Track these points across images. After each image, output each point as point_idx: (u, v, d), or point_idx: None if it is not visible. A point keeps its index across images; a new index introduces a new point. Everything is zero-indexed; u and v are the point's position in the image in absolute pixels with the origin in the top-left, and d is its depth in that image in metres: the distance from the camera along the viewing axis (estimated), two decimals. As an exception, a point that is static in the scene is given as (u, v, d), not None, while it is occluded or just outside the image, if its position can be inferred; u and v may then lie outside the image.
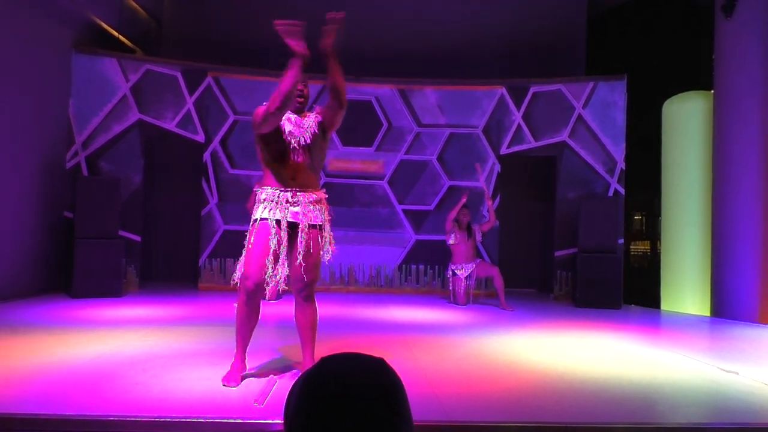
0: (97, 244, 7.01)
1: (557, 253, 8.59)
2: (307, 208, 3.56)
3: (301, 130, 3.59)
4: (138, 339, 4.71)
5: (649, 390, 3.70)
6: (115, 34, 8.33)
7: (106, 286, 7.01)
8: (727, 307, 7.08)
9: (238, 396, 3.26)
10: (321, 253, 3.61)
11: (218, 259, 8.35)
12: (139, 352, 4.23)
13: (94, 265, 6.94)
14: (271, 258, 3.46)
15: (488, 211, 7.64)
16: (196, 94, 8.38)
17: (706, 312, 7.51)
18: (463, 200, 7.46)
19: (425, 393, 3.40)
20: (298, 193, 3.55)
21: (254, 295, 3.51)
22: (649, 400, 3.49)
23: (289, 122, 3.60)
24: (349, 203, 8.70)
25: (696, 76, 8.76)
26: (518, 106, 8.76)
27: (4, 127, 6.52)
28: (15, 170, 6.75)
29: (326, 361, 0.90)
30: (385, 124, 8.80)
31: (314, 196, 3.61)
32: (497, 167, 8.74)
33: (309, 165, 3.60)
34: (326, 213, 3.67)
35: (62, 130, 7.67)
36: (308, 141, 3.57)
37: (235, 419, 2.85)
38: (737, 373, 4.13)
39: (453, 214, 7.45)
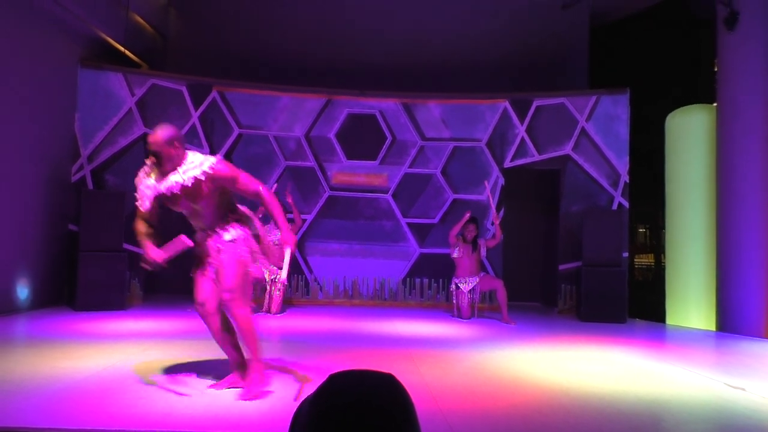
0: (101, 257, 7.02)
1: (561, 267, 8.56)
2: (209, 245, 3.71)
3: (165, 188, 3.68)
4: (142, 352, 4.70)
5: (655, 406, 3.68)
6: (121, 49, 8.40)
7: (110, 299, 7.01)
8: (733, 321, 7.03)
9: (241, 411, 3.25)
10: (238, 266, 3.64)
11: (222, 272, 8.34)
12: (142, 366, 4.22)
13: (98, 278, 6.94)
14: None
15: (493, 225, 7.64)
16: (201, 108, 8.43)
17: (711, 326, 7.47)
18: (466, 217, 7.46)
19: (430, 409, 3.38)
20: (201, 235, 3.79)
21: (207, 316, 3.71)
22: (655, 417, 3.47)
23: (150, 189, 3.71)
24: (353, 216, 8.71)
25: (699, 90, 8.79)
26: (522, 119, 8.78)
27: (11, 140, 6.56)
28: (21, 183, 6.79)
29: (335, 377, 0.90)
30: (389, 138, 8.82)
31: (216, 234, 3.72)
32: (501, 180, 8.74)
33: (196, 211, 3.75)
34: (236, 232, 3.72)
35: (68, 143, 7.71)
36: (175, 191, 3.66)
37: (238, 435, 2.84)
38: (744, 389, 4.09)
39: (456, 230, 7.45)
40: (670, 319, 8.00)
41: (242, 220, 3.84)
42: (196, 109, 8.40)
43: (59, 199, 7.48)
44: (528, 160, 8.77)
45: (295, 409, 0.92)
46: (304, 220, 8.41)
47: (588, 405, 3.63)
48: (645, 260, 11.21)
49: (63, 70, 7.57)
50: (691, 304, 7.80)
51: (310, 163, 8.67)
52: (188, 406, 3.29)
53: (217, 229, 3.73)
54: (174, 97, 8.34)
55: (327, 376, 0.91)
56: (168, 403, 3.32)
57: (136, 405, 3.27)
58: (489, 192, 7.88)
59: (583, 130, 8.61)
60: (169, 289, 8.95)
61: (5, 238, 6.51)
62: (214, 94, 8.48)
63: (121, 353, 4.63)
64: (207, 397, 3.49)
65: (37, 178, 7.10)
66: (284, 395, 3.59)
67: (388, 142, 8.82)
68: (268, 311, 7.23)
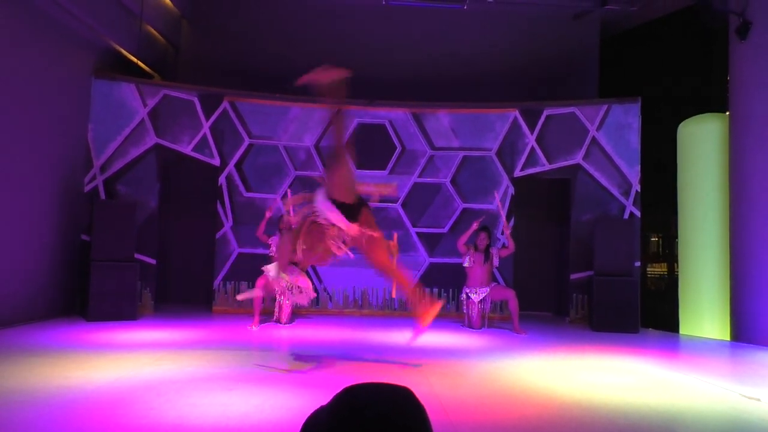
0: (112, 267, 7.06)
1: (573, 276, 8.51)
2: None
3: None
4: (153, 363, 4.72)
5: (669, 416, 3.64)
6: (134, 59, 8.48)
7: (122, 309, 7.04)
8: (748, 331, 6.95)
9: (252, 422, 3.24)
10: None
11: (232, 282, 8.36)
12: (153, 376, 4.23)
13: (110, 288, 6.98)
14: None
15: (504, 236, 7.62)
16: (213, 118, 8.48)
17: (725, 336, 7.38)
18: (474, 227, 7.44)
19: (441, 421, 3.36)
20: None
21: None
22: (668, 428, 3.43)
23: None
24: (363, 226, 8.70)
25: (711, 99, 8.73)
26: (532, 128, 8.76)
27: (24, 150, 6.63)
28: (34, 193, 6.85)
29: (353, 389, 0.89)
30: (399, 147, 8.83)
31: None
32: (511, 190, 8.71)
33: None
34: None
35: (81, 154, 7.78)
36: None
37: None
38: (760, 400, 4.04)
39: (463, 239, 7.44)
40: (684, 329, 7.93)
41: None
42: (207, 120, 8.46)
43: (72, 209, 7.54)
44: (538, 169, 8.74)
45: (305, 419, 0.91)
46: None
47: (600, 416, 3.60)
48: (658, 269, 11.10)
49: (76, 81, 7.65)
50: (705, 314, 7.72)
51: (320, 172, 8.68)
52: (199, 416, 3.29)
53: None
54: (185, 107, 8.40)
55: (343, 388, 0.90)
56: (179, 414, 3.32)
57: (147, 416, 3.27)
58: (499, 202, 7.86)
59: (594, 140, 8.58)
60: (181, 299, 8.99)
61: (18, 247, 6.56)
62: (225, 104, 8.54)
63: (132, 363, 4.64)
64: (218, 407, 3.49)
65: (50, 187, 7.16)
66: (295, 406, 3.58)
67: (397, 151, 8.83)
68: (278, 321, 7.23)
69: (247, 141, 8.57)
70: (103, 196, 7.83)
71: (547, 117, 8.73)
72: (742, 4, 7.04)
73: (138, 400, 3.59)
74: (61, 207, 7.33)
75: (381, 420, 0.83)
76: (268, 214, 7.33)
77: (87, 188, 7.81)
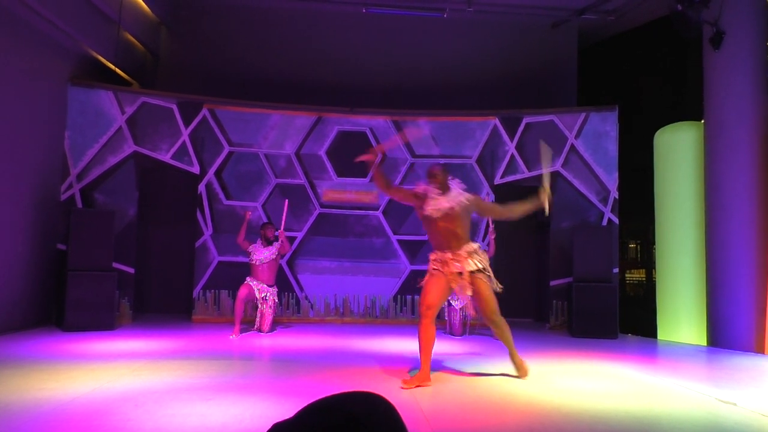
0: (90, 276, 6.96)
1: (552, 283, 8.57)
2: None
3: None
4: (131, 373, 4.65)
5: (646, 421, 3.67)
6: (112, 66, 8.40)
7: (99, 319, 6.93)
8: (724, 336, 7.06)
9: (230, 431, 3.21)
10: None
11: (212, 290, 8.29)
12: (131, 387, 4.17)
13: (87, 298, 6.88)
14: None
15: (487, 240, 7.65)
16: (192, 125, 8.42)
17: (702, 341, 7.49)
18: None
19: (422, 429, 3.36)
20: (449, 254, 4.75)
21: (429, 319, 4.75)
22: (647, 433, 3.46)
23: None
24: (343, 234, 8.70)
25: (687, 107, 8.88)
26: (511, 136, 8.83)
27: (-1, 159, 6.53)
28: (9, 202, 6.74)
29: (322, 399, 0.87)
30: (380, 155, 8.82)
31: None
32: (491, 197, 8.77)
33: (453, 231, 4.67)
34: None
35: (57, 162, 7.68)
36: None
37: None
38: (735, 404, 4.10)
39: None
40: (661, 335, 8.02)
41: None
42: (186, 127, 8.40)
43: (48, 218, 7.43)
44: (518, 176, 8.81)
45: None
46: (294, 238, 8.39)
47: (580, 421, 3.62)
48: (636, 276, 11.24)
49: (53, 88, 7.56)
50: (682, 319, 7.82)
51: (301, 180, 8.67)
52: (177, 427, 3.25)
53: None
54: (164, 114, 8.34)
55: (303, 407, 0.87)
56: (157, 425, 3.27)
57: (125, 427, 3.22)
58: None
59: (573, 147, 8.67)
60: (160, 308, 8.89)
61: (-7, 257, 6.44)
62: (204, 111, 8.49)
63: (109, 374, 4.57)
64: (197, 418, 3.45)
65: (26, 196, 7.05)
66: (275, 415, 3.56)
67: (378, 159, 8.82)
68: (259, 330, 7.18)
69: (227, 148, 8.52)
70: (80, 204, 7.72)
71: (527, 125, 8.82)
72: (716, 14, 7.19)
73: (115, 411, 3.54)
74: (36, 216, 7.21)
75: (349, 422, 0.81)
76: (248, 215, 7.31)
77: (63, 197, 7.71)
